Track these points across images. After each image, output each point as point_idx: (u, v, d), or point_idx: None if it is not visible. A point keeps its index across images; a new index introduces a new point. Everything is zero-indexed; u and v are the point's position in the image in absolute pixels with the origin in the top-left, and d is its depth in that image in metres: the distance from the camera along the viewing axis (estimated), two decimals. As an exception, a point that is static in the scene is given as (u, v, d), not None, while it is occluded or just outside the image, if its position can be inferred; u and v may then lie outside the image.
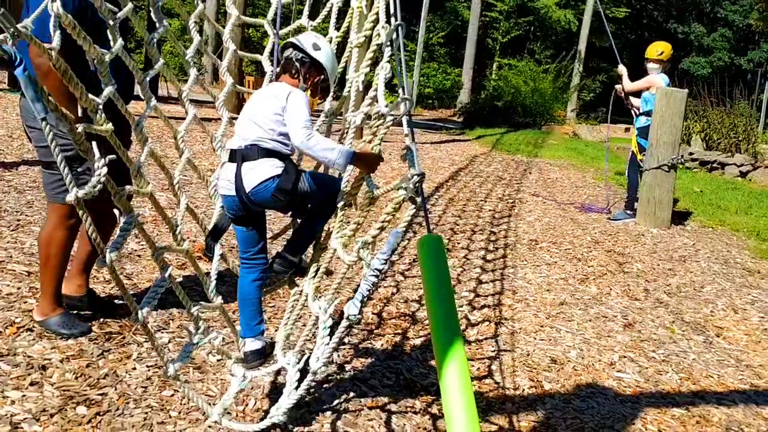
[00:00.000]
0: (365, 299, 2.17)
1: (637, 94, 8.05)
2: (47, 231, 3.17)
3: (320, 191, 2.77)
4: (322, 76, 2.86)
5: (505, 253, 5.91)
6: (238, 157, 2.68)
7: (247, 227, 2.83)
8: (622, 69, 8.18)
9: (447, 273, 1.99)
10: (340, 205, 2.68)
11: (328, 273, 2.93)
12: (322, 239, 2.97)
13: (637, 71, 8.12)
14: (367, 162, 2.60)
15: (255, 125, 2.67)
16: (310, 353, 2.37)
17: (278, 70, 2.88)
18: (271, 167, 2.64)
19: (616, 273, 5.65)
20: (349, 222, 2.60)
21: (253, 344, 2.84)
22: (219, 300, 2.68)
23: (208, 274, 2.77)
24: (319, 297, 2.57)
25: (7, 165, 6.33)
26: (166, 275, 2.26)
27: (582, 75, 30.28)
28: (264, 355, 2.84)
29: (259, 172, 2.64)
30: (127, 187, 2.14)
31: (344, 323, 2.22)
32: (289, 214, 3.12)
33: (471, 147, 15.21)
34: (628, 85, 7.92)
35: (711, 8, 44.99)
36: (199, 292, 3.69)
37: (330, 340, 2.25)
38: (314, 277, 2.73)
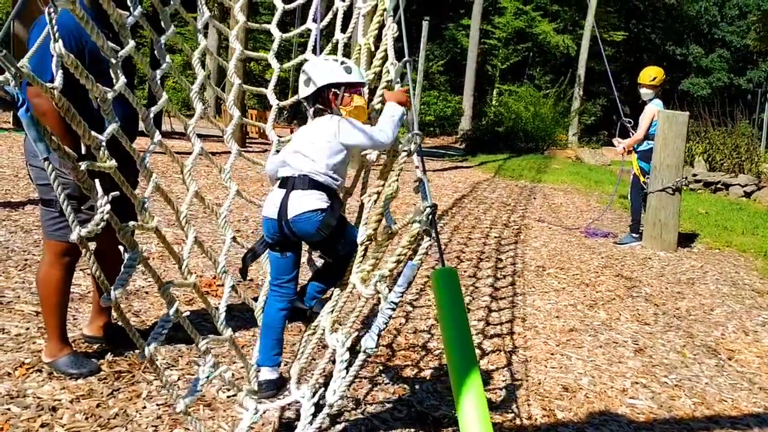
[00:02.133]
0: (381, 332, 2.16)
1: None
2: (44, 270, 3.16)
3: (350, 238, 2.86)
4: (343, 87, 2.91)
5: (513, 280, 5.90)
6: (289, 184, 2.79)
7: (282, 254, 2.91)
8: (617, 142, 8.26)
9: (462, 305, 1.99)
10: (360, 240, 2.69)
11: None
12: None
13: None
14: (399, 101, 2.72)
15: (306, 157, 2.79)
16: (325, 387, 2.35)
17: (312, 114, 2.99)
18: (318, 200, 2.75)
19: (624, 298, 5.63)
20: (368, 257, 2.60)
21: (268, 374, 2.84)
22: (229, 332, 2.66)
23: (217, 308, 2.77)
24: (336, 330, 2.55)
25: (14, 204, 6.37)
26: (172, 311, 2.26)
27: (582, 99, 30.42)
28: (277, 386, 2.85)
29: (306, 202, 2.74)
30: (131, 222, 2.15)
31: (361, 356, 2.21)
32: (317, 254, 3.17)
33: (474, 173, 15.24)
34: (639, 135, 7.89)
35: (708, 29, 45.37)
36: (208, 328, 3.68)
37: (347, 373, 2.23)
38: (332, 311, 2.72)
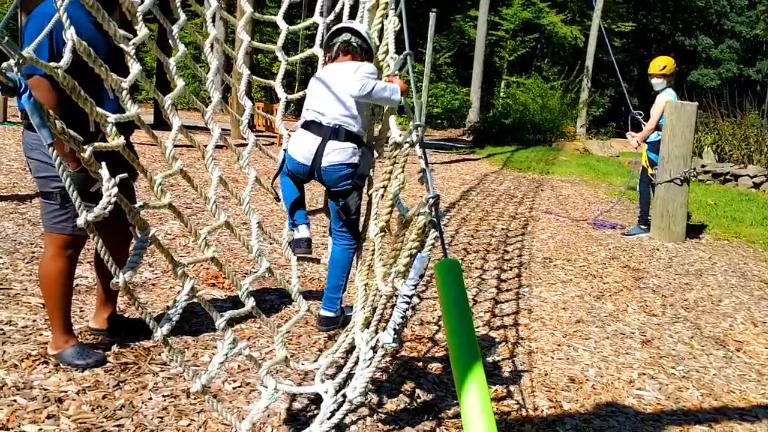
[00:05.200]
0: (399, 327, 2.14)
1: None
2: (46, 263, 3.16)
3: (355, 206, 3.03)
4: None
5: (520, 271, 5.88)
6: (325, 133, 2.90)
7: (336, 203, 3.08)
8: (630, 136, 8.17)
9: (465, 297, 1.97)
10: (373, 234, 2.67)
11: (317, 261, 3.38)
12: (367, 273, 2.97)
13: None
14: (402, 90, 2.86)
15: (338, 103, 2.89)
16: (346, 383, 2.33)
17: (333, 53, 3.10)
18: (354, 155, 2.90)
19: (632, 289, 5.60)
20: (385, 251, 2.59)
21: (305, 232, 3.15)
22: (251, 302, 2.60)
23: (243, 276, 2.76)
24: (364, 329, 2.53)
25: (22, 198, 6.39)
26: (187, 289, 2.25)
27: (591, 90, 30.25)
28: (309, 246, 3.14)
29: (342, 155, 2.88)
30: (140, 203, 2.16)
31: (380, 352, 2.20)
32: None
33: (481, 166, 15.21)
34: (650, 125, 7.81)
35: (718, 20, 45.00)
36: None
37: (368, 370, 2.22)
38: (363, 308, 2.70)
